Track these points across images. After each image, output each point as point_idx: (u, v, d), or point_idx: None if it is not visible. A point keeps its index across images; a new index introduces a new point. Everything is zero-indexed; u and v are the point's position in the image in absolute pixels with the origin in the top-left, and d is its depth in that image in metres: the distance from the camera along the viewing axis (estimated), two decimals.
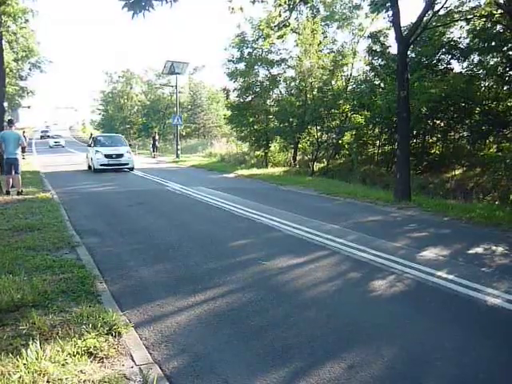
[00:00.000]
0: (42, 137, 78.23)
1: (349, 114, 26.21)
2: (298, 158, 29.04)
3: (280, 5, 15.67)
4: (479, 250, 8.08)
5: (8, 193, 13.54)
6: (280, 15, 16.21)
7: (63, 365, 3.67)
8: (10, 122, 14.73)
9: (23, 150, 14.27)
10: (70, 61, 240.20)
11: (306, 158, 29.25)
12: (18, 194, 13.47)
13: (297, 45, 27.27)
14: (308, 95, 26.80)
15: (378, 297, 5.61)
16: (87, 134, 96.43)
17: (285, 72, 28.96)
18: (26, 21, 26.99)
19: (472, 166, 20.69)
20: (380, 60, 24.00)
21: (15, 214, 10.15)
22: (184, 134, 58.65)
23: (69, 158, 34.67)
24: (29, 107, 44.53)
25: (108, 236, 8.79)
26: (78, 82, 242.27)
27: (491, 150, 20.78)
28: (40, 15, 29.22)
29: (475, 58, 21.59)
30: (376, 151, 26.01)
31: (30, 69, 35.17)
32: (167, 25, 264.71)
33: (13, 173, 13.78)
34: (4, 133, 14.09)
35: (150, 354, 4.09)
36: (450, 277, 6.26)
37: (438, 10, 15.71)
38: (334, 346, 4.30)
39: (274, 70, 28.68)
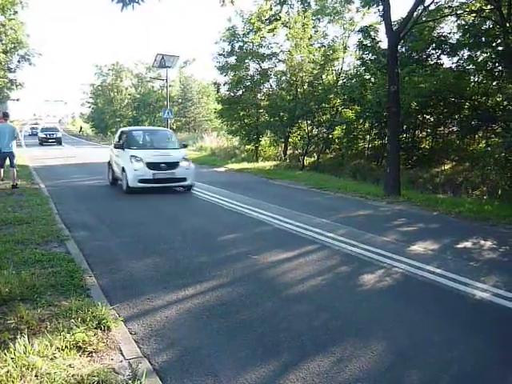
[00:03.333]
0: (43, 141, 47.13)
1: (339, 109, 26.24)
2: (288, 152, 29.04)
3: None
4: (468, 244, 8.15)
5: None
6: (271, 9, 16.24)
7: (52, 359, 3.66)
8: (5, 115, 14.56)
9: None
10: (60, 54, 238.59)
11: (297, 152, 29.26)
12: (13, 187, 13.31)
13: (287, 39, 27.22)
14: (299, 89, 26.78)
15: (366, 291, 5.63)
16: (77, 127, 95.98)
17: (275, 66, 28.87)
18: (15, 12, 26.76)
19: (461, 161, 20.81)
20: (370, 55, 23.95)
21: (3, 208, 10.06)
22: (174, 127, 58.44)
23: (59, 152, 34.48)
24: (18, 100, 44.07)
25: (97, 229, 8.75)
26: (68, 74, 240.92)
27: (480, 145, 20.88)
28: (29, 7, 28.87)
29: (465, 53, 21.63)
30: (366, 146, 26.06)
31: (18, 61, 34.73)
32: (157, 18, 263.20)
33: (7, 166, 13.68)
34: None
35: (140, 348, 4.08)
36: (439, 271, 6.30)
37: (429, 5, 15.80)
38: (323, 339, 4.31)
39: (265, 64, 28.57)
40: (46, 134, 48.23)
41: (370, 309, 5.09)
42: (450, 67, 21.92)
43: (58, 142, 47.70)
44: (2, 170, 13.75)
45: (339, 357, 4.00)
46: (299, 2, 28.39)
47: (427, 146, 23.43)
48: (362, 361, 3.93)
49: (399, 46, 16.48)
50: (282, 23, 26.34)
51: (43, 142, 46.77)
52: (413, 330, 4.56)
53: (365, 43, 23.57)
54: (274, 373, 3.75)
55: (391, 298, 5.44)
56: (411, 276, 6.15)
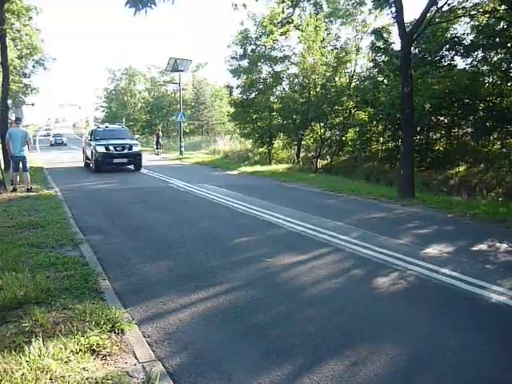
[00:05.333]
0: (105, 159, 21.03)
1: (352, 111, 26.18)
2: (301, 154, 29.02)
3: (283, 1, 15.65)
4: (483, 246, 8.05)
5: (15, 190, 13.56)
6: (283, 12, 16.17)
7: (66, 362, 3.67)
8: (18, 120, 14.83)
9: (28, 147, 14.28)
10: (74, 58, 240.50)
11: (310, 154, 29.22)
12: (28, 191, 13.47)
13: (300, 42, 27.20)
14: (311, 92, 26.77)
15: (381, 294, 5.59)
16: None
17: (288, 69, 28.92)
18: (30, 18, 27.03)
19: (476, 163, 20.64)
20: (383, 56, 23.91)
21: (19, 212, 10.16)
22: (187, 131, 58.62)
23: (72, 156, 34.74)
24: (33, 105, 44.21)
25: (111, 233, 8.79)
26: (82, 79, 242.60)
27: (495, 147, 20.74)
28: (43, 12, 29.15)
29: (479, 54, 21.49)
30: (379, 148, 25.97)
31: (33, 66, 35.10)
32: (170, 21, 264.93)
33: (20, 170, 13.83)
34: (11, 130, 14.13)
35: (153, 351, 4.09)
36: (454, 274, 6.23)
37: (442, 6, 15.63)
38: (338, 343, 4.28)
39: (278, 67, 28.64)
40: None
41: (385, 312, 5.05)
42: (464, 68, 21.79)
43: None
44: (19, 174, 13.89)
45: (353, 360, 3.97)
46: (311, 5, 28.54)
47: (441, 148, 23.28)
48: (376, 364, 3.90)
49: (412, 48, 16.39)
50: (295, 26, 26.24)
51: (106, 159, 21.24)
52: (428, 334, 4.51)
53: (378, 45, 23.52)
54: (287, 376, 3.74)
55: (406, 301, 5.39)
56: (426, 279, 6.09)
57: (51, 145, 56.00)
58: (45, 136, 76.88)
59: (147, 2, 5.84)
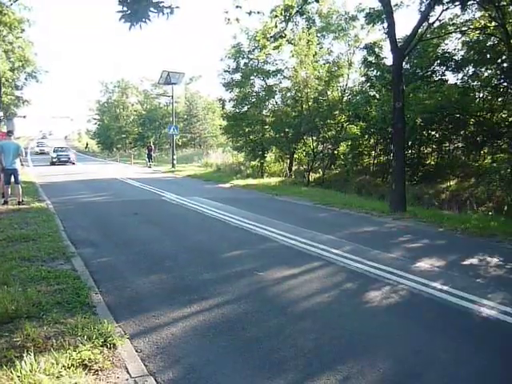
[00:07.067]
0: None
1: (344, 125, 26.30)
2: (293, 168, 29.08)
3: (276, 16, 15.80)
4: (474, 260, 8.10)
5: (6, 203, 13.47)
6: (276, 26, 16.31)
7: (58, 377, 3.65)
8: (10, 133, 14.82)
9: (20, 160, 14.21)
10: (67, 70, 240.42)
11: (302, 168, 29.28)
12: (19, 203, 13.39)
13: (292, 56, 27.37)
14: (304, 106, 26.90)
15: (372, 308, 5.61)
16: (83, 143, 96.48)
17: (281, 82, 29.07)
18: (23, 30, 27.17)
19: (467, 177, 20.75)
20: (375, 71, 24.11)
21: (10, 224, 10.10)
22: (180, 143, 58.68)
23: (65, 168, 34.66)
24: (24, 117, 43.89)
25: (103, 246, 8.76)
26: (74, 91, 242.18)
27: (486, 161, 20.87)
28: (36, 24, 29.31)
29: (470, 69, 21.75)
30: (371, 162, 26.07)
31: (25, 78, 35.23)
32: (164, 35, 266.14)
33: (12, 183, 13.75)
34: (3, 143, 14.06)
35: (145, 365, 4.07)
36: (445, 288, 6.27)
37: (433, 22, 15.88)
38: (330, 357, 4.29)
39: (270, 81, 28.80)
40: None
41: (377, 326, 5.07)
42: (455, 83, 22.01)
43: None
44: (10, 187, 13.81)
45: (346, 375, 3.98)
46: (304, 20, 28.80)
47: (432, 162, 23.40)
48: (368, 379, 3.91)
49: (404, 63, 16.56)
50: (287, 40, 26.49)
51: None
52: (419, 348, 4.52)
53: (370, 60, 23.73)
54: None
55: (397, 316, 5.41)
56: (417, 293, 6.12)
57: (52, 163, 39.84)
58: (37, 154, 62.14)
59: (141, 17, 5.89)
